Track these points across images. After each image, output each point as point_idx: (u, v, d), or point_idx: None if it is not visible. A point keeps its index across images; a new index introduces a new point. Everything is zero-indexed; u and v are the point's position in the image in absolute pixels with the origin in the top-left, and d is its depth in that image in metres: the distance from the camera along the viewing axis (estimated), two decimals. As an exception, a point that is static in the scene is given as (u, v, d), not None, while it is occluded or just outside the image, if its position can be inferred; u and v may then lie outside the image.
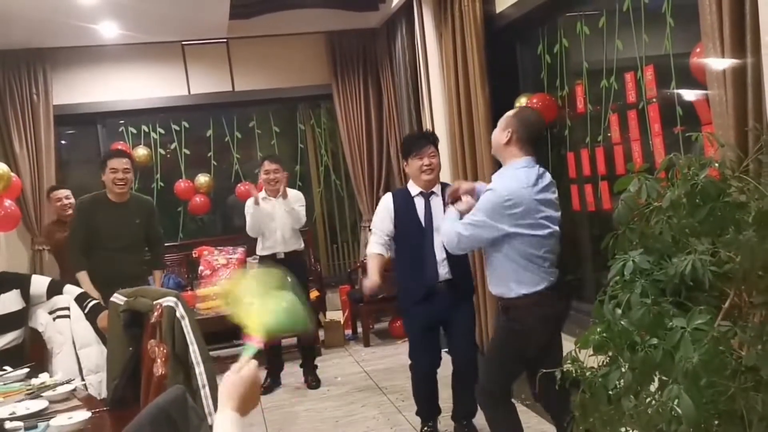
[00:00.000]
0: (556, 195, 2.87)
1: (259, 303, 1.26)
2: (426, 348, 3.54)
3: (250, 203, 4.82)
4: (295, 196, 4.90)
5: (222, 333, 5.31)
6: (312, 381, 4.78)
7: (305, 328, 1.32)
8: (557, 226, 2.80)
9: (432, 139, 3.62)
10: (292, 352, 5.13)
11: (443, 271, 3.43)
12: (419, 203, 3.50)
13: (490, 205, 2.68)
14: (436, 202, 3.50)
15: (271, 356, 4.84)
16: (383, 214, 3.56)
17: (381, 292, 3.83)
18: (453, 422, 3.64)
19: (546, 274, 2.75)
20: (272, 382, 4.78)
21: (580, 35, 4.03)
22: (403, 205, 3.52)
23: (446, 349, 3.64)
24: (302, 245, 4.94)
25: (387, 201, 3.59)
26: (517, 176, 2.73)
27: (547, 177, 2.85)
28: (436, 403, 3.65)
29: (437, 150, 3.58)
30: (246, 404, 1.22)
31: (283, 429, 4.03)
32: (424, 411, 3.68)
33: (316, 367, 4.90)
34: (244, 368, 1.22)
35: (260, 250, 4.85)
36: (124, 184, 4.25)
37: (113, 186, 4.23)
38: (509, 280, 2.77)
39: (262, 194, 4.78)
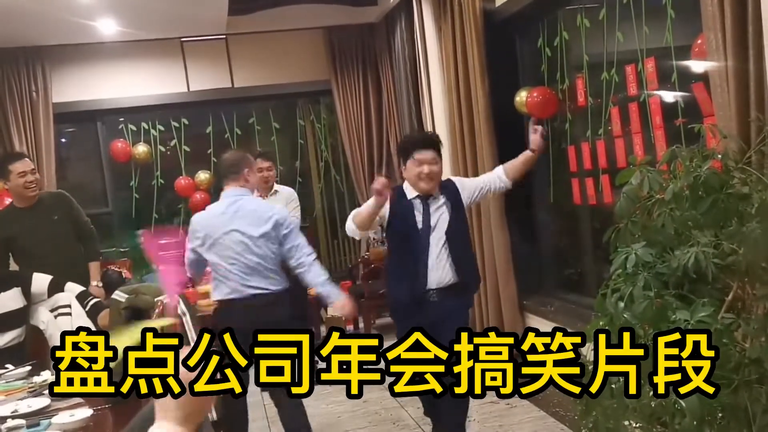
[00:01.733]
0: (258, 216, 3.32)
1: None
2: None
3: None
4: (287, 195, 4.81)
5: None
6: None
7: None
8: (251, 242, 3.27)
9: (435, 144, 3.22)
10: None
11: (439, 278, 3.13)
12: (417, 206, 3.17)
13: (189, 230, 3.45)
14: (435, 202, 3.18)
15: None
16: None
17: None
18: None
19: (232, 286, 3.28)
20: None
21: (580, 28, 4.01)
22: (399, 205, 3.18)
23: None
24: None
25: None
26: (209, 208, 3.46)
27: (246, 204, 3.35)
28: None
29: (440, 155, 3.20)
30: (188, 414, 1.02)
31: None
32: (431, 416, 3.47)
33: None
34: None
35: None
36: (36, 185, 3.99)
37: (24, 190, 3.94)
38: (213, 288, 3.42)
39: (254, 192, 4.74)
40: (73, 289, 3.55)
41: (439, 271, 3.13)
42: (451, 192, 3.24)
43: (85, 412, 2.23)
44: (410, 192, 3.18)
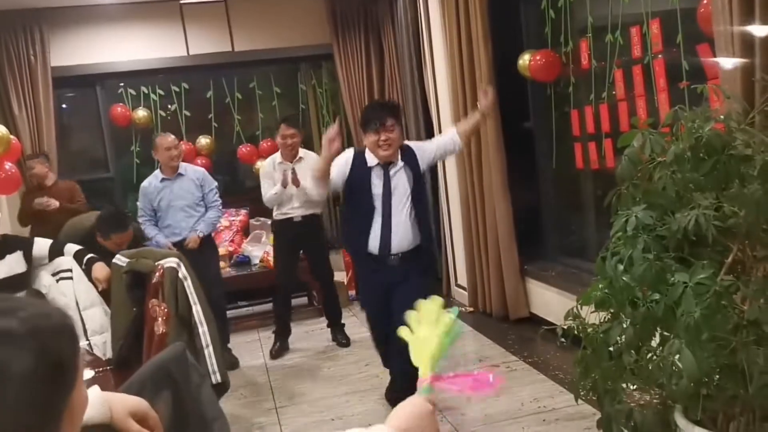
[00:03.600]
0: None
1: (427, 340, 1.15)
2: (380, 320, 3.39)
3: (266, 169, 4.65)
4: (314, 162, 4.61)
5: (228, 293, 5.34)
6: (342, 339, 4.78)
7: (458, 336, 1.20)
8: None
9: (391, 110, 3.33)
10: (299, 312, 5.16)
11: (400, 243, 3.25)
12: (376, 174, 3.25)
13: None
14: (395, 168, 3.26)
15: (281, 320, 4.84)
16: (337, 166, 3.25)
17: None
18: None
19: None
20: (281, 347, 4.78)
21: (585, -11, 3.94)
22: (358, 172, 3.26)
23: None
24: (320, 210, 4.81)
25: (346, 158, 3.30)
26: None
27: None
28: None
29: (398, 121, 3.28)
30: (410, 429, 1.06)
31: (288, 388, 4.07)
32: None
33: (343, 325, 4.89)
34: (419, 401, 1.10)
35: (276, 215, 4.72)
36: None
37: (110, 248, 3.64)
38: None
39: (278, 158, 4.63)
40: (70, 250, 3.56)
41: (400, 236, 3.25)
42: (409, 157, 3.33)
43: (87, 374, 2.25)
44: (371, 159, 3.27)
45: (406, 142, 3.49)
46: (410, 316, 1.18)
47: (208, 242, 4.58)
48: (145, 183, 4.50)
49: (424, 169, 3.39)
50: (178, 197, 4.45)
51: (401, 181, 3.26)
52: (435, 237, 3.69)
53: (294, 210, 4.64)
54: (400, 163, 3.28)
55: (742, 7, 2.27)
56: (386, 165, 3.26)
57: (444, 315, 1.17)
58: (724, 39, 2.37)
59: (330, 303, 4.93)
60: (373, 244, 3.27)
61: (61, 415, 0.77)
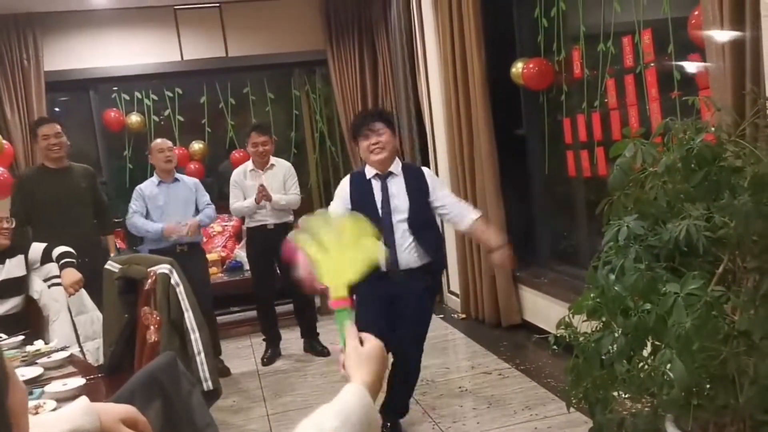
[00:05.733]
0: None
1: (338, 256, 1.12)
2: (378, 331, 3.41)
3: (236, 178, 4.67)
4: (286, 170, 4.72)
5: (221, 299, 5.33)
6: (318, 347, 4.73)
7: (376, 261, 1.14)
8: None
9: (379, 114, 3.33)
10: (288, 318, 5.15)
11: (405, 259, 3.15)
12: (375, 186, 3.22)
13: None
14: (395, 182, 3.22)
15: (268, 327, 4.81)
16: (338, 196, 3.31)
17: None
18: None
19: None
20: (273, 353, 4.77)
21: (577, -2, 3.97)
22: (359, 188, 3.26)
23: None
24: (292, 218, 4.79)
25: (344, 183, 3.33)
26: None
27: None
28: None
29: (389, 127, 3.24)
30: (375, 381, 1.07)
31: (279, 394, 4.07)
32: None
33: (317, 334, 4.87)
34: (366, 343, 1.10)
35: (249, 222, 4.74)
36: (59, 148, 4.26)
37: (48, 152, 4.25)
38: None
39: (249, 166, 4.66)
40: (56, 252, 3.53)
41: (403, 253, 3.14)
42: (415, 176, 3.27)
43: (78, 381, 2.24)
44: (369, 171, 3.25)
45: (423, 168, 3.46)
46: (328, 224, 1.14)
47: (197, 249, 4.62)
48: (141, 185, 4.58)
49: (431, 196, 3.23)
50: (175, 200, 4.50)
51: (402, 199, 3.19)
52: (443, 255, 3.57)
53: (266, 218, 4.65)
54: (401, 176, 3.22)
55: (732, 18, 2.29)
56: (384, 177, 3.21)
57: (367, 237, 1.14)
58: (715, 50, 2.39)
59: (304, 313, 4.87)
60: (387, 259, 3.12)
61: (8, 421, 0.79)
